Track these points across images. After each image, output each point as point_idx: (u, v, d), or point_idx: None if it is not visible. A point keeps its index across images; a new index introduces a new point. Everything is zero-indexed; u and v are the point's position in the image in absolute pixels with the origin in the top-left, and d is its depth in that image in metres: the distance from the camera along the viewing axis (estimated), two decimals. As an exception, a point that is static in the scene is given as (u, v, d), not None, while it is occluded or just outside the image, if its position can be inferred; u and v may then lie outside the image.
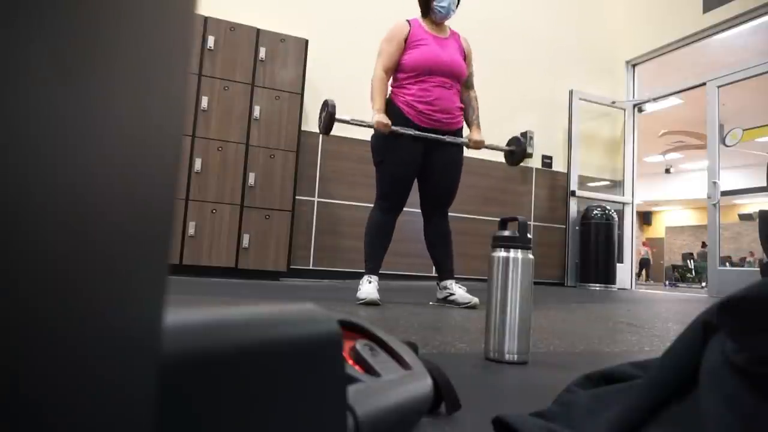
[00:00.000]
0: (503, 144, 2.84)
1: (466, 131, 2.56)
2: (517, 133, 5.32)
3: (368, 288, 2.29)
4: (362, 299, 2.23)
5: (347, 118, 2.43)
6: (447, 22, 2.54)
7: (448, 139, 2.42)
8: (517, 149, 2.76)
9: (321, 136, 4.41)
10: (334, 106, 2.42)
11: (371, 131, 2.47)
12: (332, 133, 4.40)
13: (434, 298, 2.54)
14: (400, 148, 2.37)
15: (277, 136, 3.85)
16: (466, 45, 2.56)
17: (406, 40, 2.43)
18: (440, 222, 2.52)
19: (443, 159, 2.45)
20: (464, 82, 2.53)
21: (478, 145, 2.55)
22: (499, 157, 5.15)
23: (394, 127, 2.33)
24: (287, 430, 0.30)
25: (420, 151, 2.41)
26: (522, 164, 5.36)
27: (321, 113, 2.49)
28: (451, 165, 2.48)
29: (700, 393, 0.38)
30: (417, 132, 2.37)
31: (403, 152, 2.38)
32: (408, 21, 2.50)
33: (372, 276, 2.38)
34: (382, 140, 2.40)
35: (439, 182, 2.49)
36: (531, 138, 5.36)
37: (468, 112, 2.57)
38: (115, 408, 0.16)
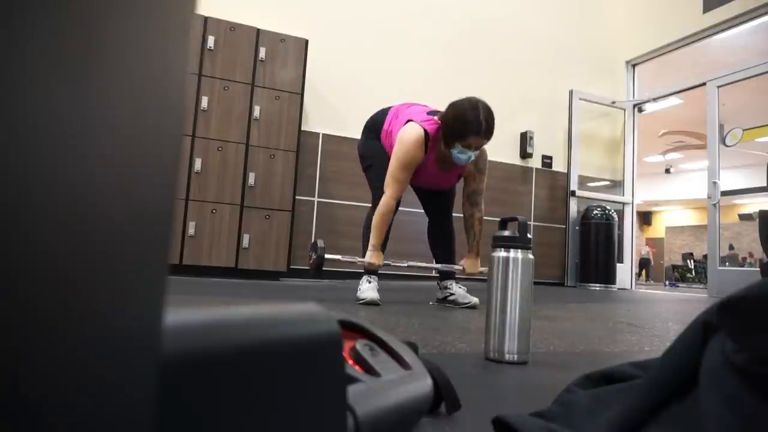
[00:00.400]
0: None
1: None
2: (518, 133, 5.35)
3: (368, 288, 2.29)
4: (362, 299, 2.23)
5: (338, 257, 2.36)
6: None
7: (442, 268, 2.41)
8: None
9: (321, 136, 4.42)
10: (323, 249, 2.31)
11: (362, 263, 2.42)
12: (332, 132, 4.46)
13: (434, 298, 2.54)
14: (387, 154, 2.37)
15: (277, 136, 3.85)
16: (472, 164, 2.29)
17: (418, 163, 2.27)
18: (444, 222, 2.53)
19: (435, 195, 2.51)
20: (468, 195, 2.37)
21: (471, 275, 2.38)
22: (500, 157, 5.19)
23: (385, 262, 2.33)
24: (287, 430, 0.30)
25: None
26: (522, 164, 5.42)
27: (310, 253, 2.41)
28: (446, 191, 2.53)
29: (700, 393, 0.38)
30: (410, 263, 2.44)
31: None
32: (426, 139, 2.21)
33: (372, 276, 2.38)
34: (369, 147, 2.41)
35: (436, 201, 2.53)
36: (531, 138, 5.36)
37: (468, 234, 2.39)
38: (115, 408, 0.16)
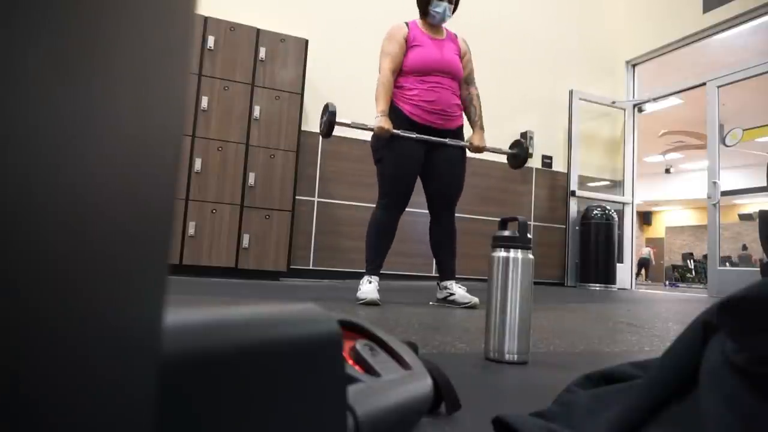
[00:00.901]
0: (506, 146, 2.84)
1: (467, 129, 2.55)
2: (518, 133, 5.35)
3: (368, 288, 2.29)
4: (362, 299, 2.23)
5: (348, 121, 2.43)
6: (445, 25, 2.55)
7: (450, 142, 2.43)
8: (520, 152, 2.76)
9: (321, 136, 4.42)
10: (334, 110, 2.42)
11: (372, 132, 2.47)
12: (332, 133, 4.45)
13: (434, 298, 2.54)
14: (400, 147, 2.37)
15: (277, 136, 3.85)
16: (463, 45, 2.59)
17: (406, 40, 2.45)
18: (447, 220, 2.51)
19: (446, 156, 2.45)
20: (464, 79, 2.55)
21: (479, 149, 2.56)
22: (499, 157, 5.17)
23: (395, 131, 2.33)
24: (287, 430, 0.30)
25: (421, 150, 2.41)
26: (522, 164, 5.42)
27: (322, 117, 2.49)
28: (455, 161, 2.48)
29: (700, 393, 0.38)
30: (418, 135, 2.37)
31: (404, 150, 2.38)
32: (405, 23, 2.53)
33: (372, 276, 2.38)
34: (383, 139, 2.40)
35: (443, 180, 2.48)
36: (531, 138, 5.36)
37: (470, 111, 2.57)
38: (115, 408, 0.16)
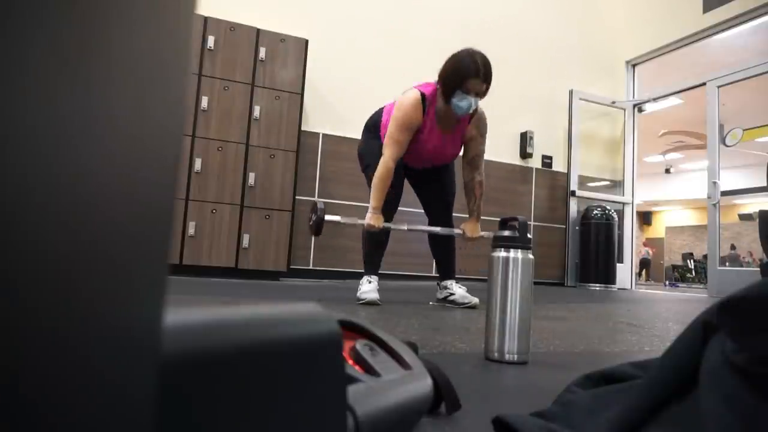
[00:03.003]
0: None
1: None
2: (518, 133, 5.35)
3: (368, 288, 2.29)
4: (362, 299, 2.23)
5: (338, 218, 2.32)
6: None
7: (442, 231, 2.36)
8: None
9: (321, 136, 4.42)
10: (323, 208, 2.27)
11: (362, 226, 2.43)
12: (332, 132, 4.46)
13: (434, 298, 2.54)
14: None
15: (277, 136, 3.85)
16: (472, 130, 2.34)
17: (417, 127, 2.26)
18: (445, 221, 2.50)
19: (435, 183, 2.48)
20: (468, 161, 2.38)
21: (472, 240, 2.36)
22: (500, 157, 5.19)
23: (386, 225, 2.27)
24: (287, 430, 0.30)
25: (403, 180, 2.43)
26: (522, 164, 5.42)
27: (311, 214, 2.36)
28: (442, 171, 2.49)
29: (700, 393, 0.38)
30: (410, 227, 2.33)
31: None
32: (423, 101, 2.24)
33: (372, 276, 2.38)
34: (369, 147, 2.40)
35: (436, 189, 2.50)
36: (531, 138, 5.36)
37: (469, 198, 2.38)
38: (115, 408, 0.16)
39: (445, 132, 2.31)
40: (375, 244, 2.43)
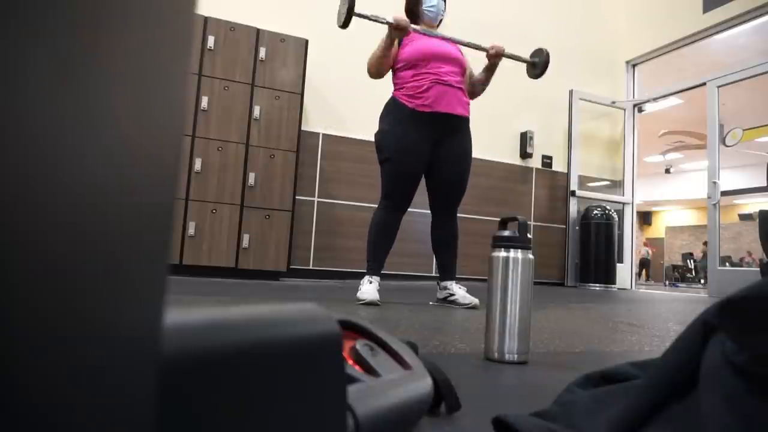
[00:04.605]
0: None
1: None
2: (518, 133, 5.35)
3: (368, 288, 2.29)
4: (362, 300, 2.23)
5: (367, 13, 2.27)
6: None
7: (465, 41, 2.42)
8: (539, 60, 2.63)
9: (321, 136, 4.42)
10: (353, 1, 2.25)
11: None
12: (332, 133, 4.45)
13: (434, 298, 2.54)
14: (406, 142, 2.33)
15: (277, 136, 3.85)
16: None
17: (399, 42, 2.41)
18: (449, 222, 2.49)
19: (452, 150, 2.40)
20: (469, 76, 2.52)
21: (499, 51, 2.44)
22: (500, 157, 5.19)
23: (412, 26, 2.28)
24: (287, 430, 0.30)
25: (427, 145, 2.35)
26: (522, 164, 5.42)
27: (340, 7, 2.34)
28: (461, 156, 2.43)
29: (700, 393, 0.38)
30: (430, 31, 2.35)
31: (410, 146, 2.33)
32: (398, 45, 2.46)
33: (373, 276, 2.37)
34: (388, 136, 2.37)
35: (448, 176, 2.42)
36: (531, 138, 5.36)
37: (477, 81, 2.55)
38: (115, 408, 0.16)
39: (434, 34, 2.43)
40: (383, 233, 2.39)
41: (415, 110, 2.33)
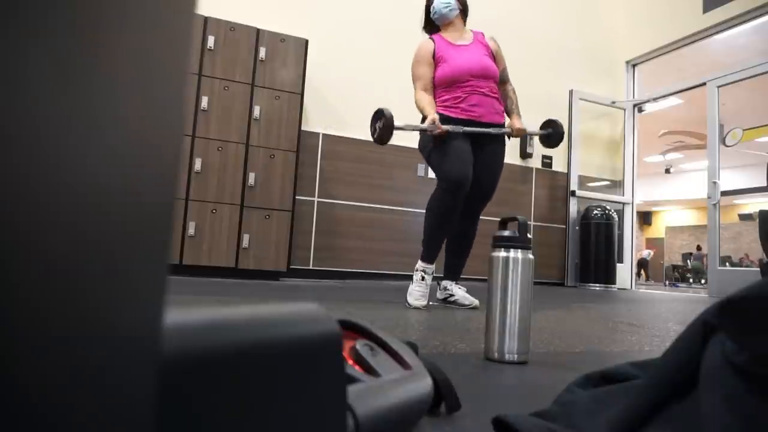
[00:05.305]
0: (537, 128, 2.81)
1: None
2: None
3: (418, 292, 2.26)
4: (411, 305, 2.21)
5: (402, 125, 2.28)
6: (469, 25, 2.53)
7: (493, 131, 2.41)
8: (554, 132, 2.70)
9: (321, 136, 4.42)
10: (391, 116, 2.25)
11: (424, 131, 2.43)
12: (332, 133, 4.46)
13: (434, 298, 2.54)
14: (450, 138, 2.33)
15: (277, 136, 3.85)
16: (492, 44, 2.55)
17: (434, 57, 2.42)
18: (471, 222, 2.49)
19: (489, 154, 2.44)
20: (499, 79, 2.54)
21: (520, 132, 2.50)
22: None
23: (445, 126, 2.28)
24: (287, 429, 0.30)
25: (468, 145, 2.37)
26: (522, 164, 5.42)
27: (375, 123, 2.34)
28: (497, 159, 2.48)
29: (700, 393, 0.38)
30: (465, 128, 2.33)
31: (454, 143, 2.34)
32: (431, 38, 2.49)
33: (428, 266, 2.34)
34: (429, 138, 2.36)
35: (483, 177, 2.44)
36: (531, 138, 5.36)
37: (506, 104, 2.58)
38: (115, 408, 0.16)
39: (463, 44, 2.47)
40: (443, 215, 2.34)
41: (453, 117, 2.36)
